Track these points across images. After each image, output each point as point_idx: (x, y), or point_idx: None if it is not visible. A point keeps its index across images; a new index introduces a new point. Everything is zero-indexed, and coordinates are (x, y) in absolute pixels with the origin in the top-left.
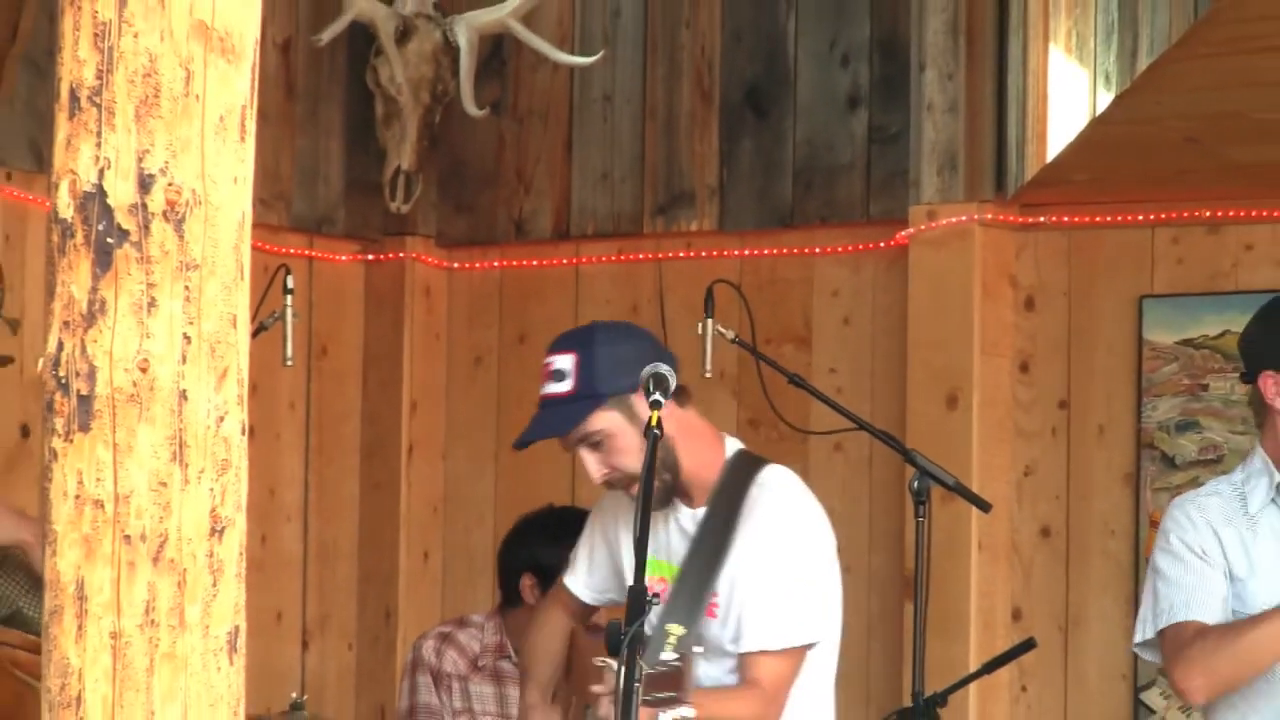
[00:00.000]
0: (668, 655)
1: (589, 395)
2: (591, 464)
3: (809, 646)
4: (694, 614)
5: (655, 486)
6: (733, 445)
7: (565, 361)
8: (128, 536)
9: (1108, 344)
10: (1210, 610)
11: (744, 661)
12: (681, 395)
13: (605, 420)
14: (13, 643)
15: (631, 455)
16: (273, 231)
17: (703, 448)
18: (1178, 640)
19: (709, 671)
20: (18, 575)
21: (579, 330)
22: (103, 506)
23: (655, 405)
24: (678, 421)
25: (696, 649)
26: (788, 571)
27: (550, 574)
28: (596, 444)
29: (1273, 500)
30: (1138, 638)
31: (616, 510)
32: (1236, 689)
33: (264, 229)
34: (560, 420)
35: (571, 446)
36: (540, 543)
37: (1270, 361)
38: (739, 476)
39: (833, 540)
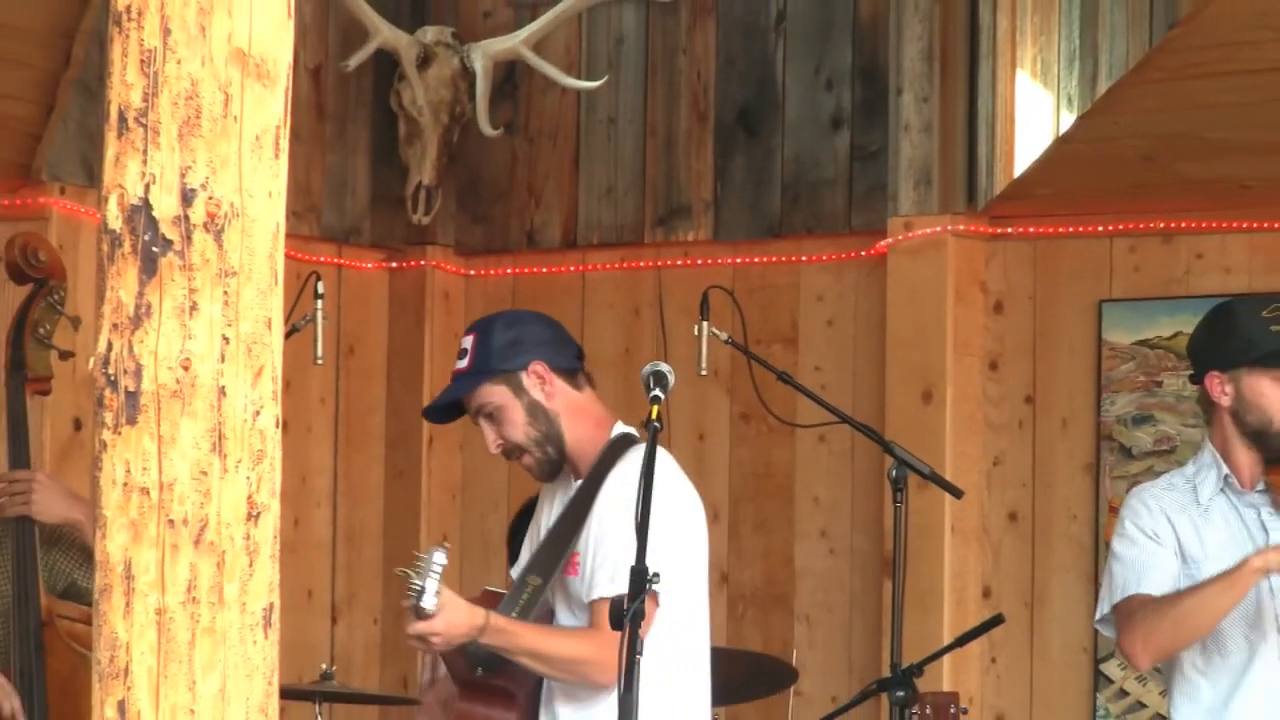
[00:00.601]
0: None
1: (481, 371)
2: (488, 435)
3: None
4: (552, 568)
5: (539, 459)
6: (620, 428)
7: (468, 341)
8: (171, 521)
9: (1070, 344)
10: (1159, 585)
11: (589, 610)
12: (576, 378)
13: (493, 394)
14: (71, 616)
15: (517, 428)
16: (304, 241)
17: (587, 427)
18: (1126, 611)
19: (575, 625)
20: (72, 551)
21: (487, 315)
22: (149, 493)
23: (655, 400)
24: (566, 401)
25: (440, 552)
26: (628, 526)
27: None
28: (490, 415)
29: (1221, 490)
30: (1097, 615)
31: (542, 501)
32: (1175, 654)
33: (296, 239)
34: (455, 390)
35: (474, 419)
36: None
37: (1215, 363)
38: (614, 452)
39: (688, 508)
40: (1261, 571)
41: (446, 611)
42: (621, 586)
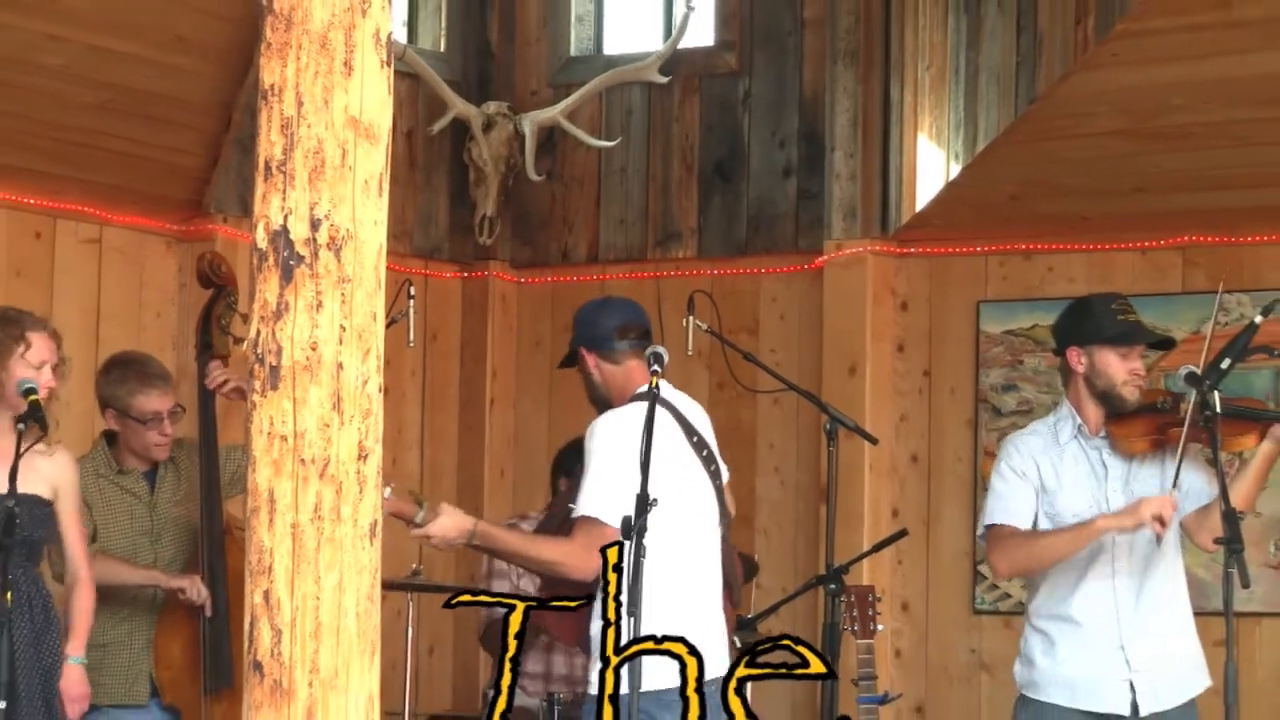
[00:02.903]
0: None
1: (571, 347)
2: None
3: (594, 520)
4: (572, 494)
5: (598, 413)
6: (635, 392)
7: None
8: (303, 460)
9: (956, 334)
10: (1020, 515)
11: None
12: (614, 355)
13: (578, 362)
14: (244, 527)
15: (587, 388)
16: (400, 257)
17: (616, 394)
18: (996, 536)
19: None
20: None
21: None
22: (286, 440)
23: (654, 373)
24: (603, 375)
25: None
26: (586, 463)
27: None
28: None
29: (1075, 436)
30: (978, 532)
31: None
32: (1028, 574)
33: (394, 255)
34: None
35: None
36: (575, 458)
37: (1074, 340)
38: None
39: (622, 447)
40: (1103, 531)
41: (442, 519)
42: (577, 510)
